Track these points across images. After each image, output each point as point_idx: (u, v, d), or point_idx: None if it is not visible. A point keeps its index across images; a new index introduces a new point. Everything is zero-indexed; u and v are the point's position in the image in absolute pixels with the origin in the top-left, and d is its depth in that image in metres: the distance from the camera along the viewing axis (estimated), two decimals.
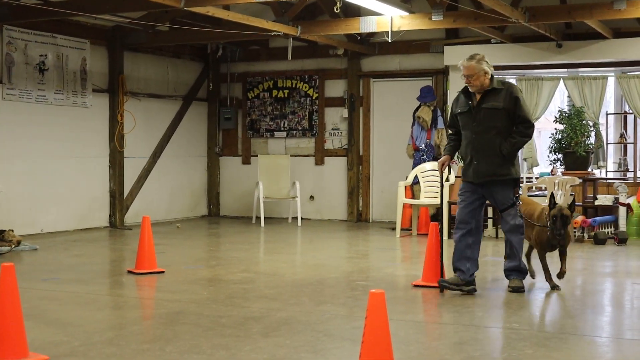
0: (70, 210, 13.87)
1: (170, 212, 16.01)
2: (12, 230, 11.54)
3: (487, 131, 7.88)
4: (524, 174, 13.64)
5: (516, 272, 8.19)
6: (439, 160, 8.28)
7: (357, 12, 13.78)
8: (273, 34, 12.99)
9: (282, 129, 16.49)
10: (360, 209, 15.90)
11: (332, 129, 16.16)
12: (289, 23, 12.91)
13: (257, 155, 16.31)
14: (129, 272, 9.32)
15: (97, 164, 14.38)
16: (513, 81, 14.48)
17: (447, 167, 8.30)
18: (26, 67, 12.93)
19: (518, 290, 8.04)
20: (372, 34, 14.73)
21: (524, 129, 7.84)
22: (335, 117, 16.14)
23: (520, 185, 8.59)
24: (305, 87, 16.31)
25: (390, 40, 12.65)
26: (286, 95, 16.50)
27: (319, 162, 16.19)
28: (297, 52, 14.83)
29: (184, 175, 16.43)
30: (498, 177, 7.92)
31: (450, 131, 8.40)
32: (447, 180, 12.28)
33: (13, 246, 11.17)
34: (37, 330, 6.24)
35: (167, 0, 10.55)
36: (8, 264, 5.40)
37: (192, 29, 13.31)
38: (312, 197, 16.20)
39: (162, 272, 9.26)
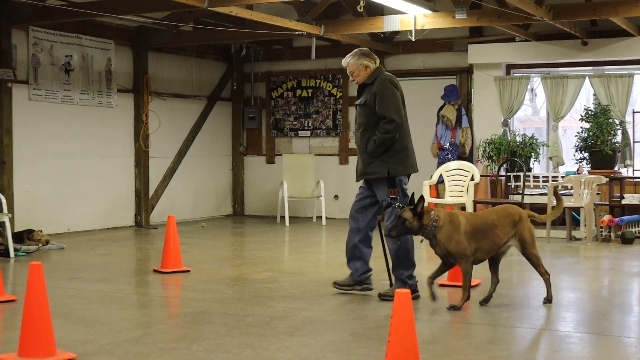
0: (96, 209, 13.94)
1: (195, 211, 16.06)
2: (41, 231, 11.62)
3: (359, 128, 7.81)
4: (549, 173, 13.59)
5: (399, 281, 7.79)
6: None
7: (380, 11, 13.77)
8: (296, 33, 13.00)
9: (306, 128, 16.50)
10: None
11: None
12: (312, 22, 12.91)
13: (281, 155, 16.33)
14: (155, 271, 9.37)
15: (123, 164, 14.45)
16: (537, 80, 14.46)
17: None
18: (52, 67, 13.01)
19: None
20: (396, 33, 14.69)
21: (383, 124, 7.56)
22: None
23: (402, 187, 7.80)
24: (329, 86, 16.31)
25: (413, 39, 12.63)
26: (310, 95, 16.50)
27: (343, 161, 16.18)
28: (320, 51, 14.82)
29: (208, 175, 16.48)
30: (368, 176, 7.75)
31: None
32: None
33: (40, 245, 11.25)
34: (64, 329, 6.28)
35: (191, 1, 10.58)
36: (36, 263, 5.44)
37: (215, 29, 13.34)
38: (336, 196, 16.20)
39: (188, 271, 9.30)
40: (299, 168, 15.79)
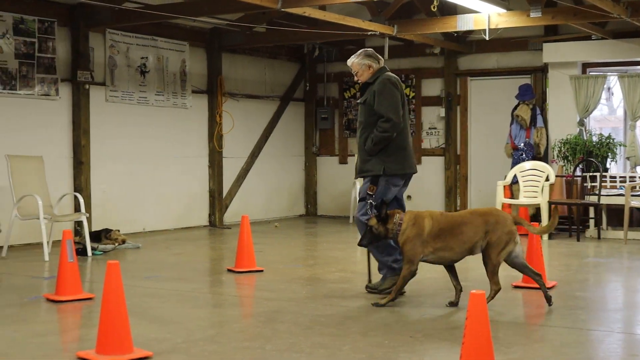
0: (171, 209, 14.11)
1: (268, 211, 16.14)
2: (119, 230, 11.80)
3: (359, 126, 7.92)
4: (626, 173, 13.34)
5: (387, 268, 7.94)
6: None
7: (453, 10, 13.66)
8: (369, 33, 12.98)
9: None
10: (458, 208, 15.76)
11: (429, 128, 16.07)
12: (385, 22, 12.89)
13: (353, 155, 16.31)
14: (229, 270, 9.43)
15: (197, 164, 14.60)
16: (614, 78, 14.20)
17: None
18: (128, 69, 13.20)
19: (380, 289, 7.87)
20: (469, 32, 14.58)
21: (381, 123, 7.63)
22: (432, 116, 16.05)
23: (393, 185, 7.79)
24: (402, 87, 16.20)
25: (487, 38, 12.52)
26: None
27: (416, 161, 16.06)
28: (393, 52, 14.77)
29: (281, 175, 16.55)
30: (365, 173, 7.83)
31: None
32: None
33: (117, 244, 11.43)
34: (140, 327, 6.35)
35: (264, 2, 10.63)
36: (113, 261, 5.52)
37: (288, 30, 13.40)
38: (409, 197, 16.12)
39: (261, 270, 9.35)
40: None
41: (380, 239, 7.43)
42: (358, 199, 8.01)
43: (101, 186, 12.75)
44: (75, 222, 11.85)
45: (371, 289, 7.98)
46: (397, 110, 7.70)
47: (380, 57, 7.99)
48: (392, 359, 5.55)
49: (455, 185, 15.76)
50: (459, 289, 7.43)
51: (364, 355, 5.61)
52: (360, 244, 7.54)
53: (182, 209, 14.34)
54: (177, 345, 5.89)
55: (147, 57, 13.54)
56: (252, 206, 15.63)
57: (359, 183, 15.20)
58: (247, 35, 14.53)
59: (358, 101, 8.03)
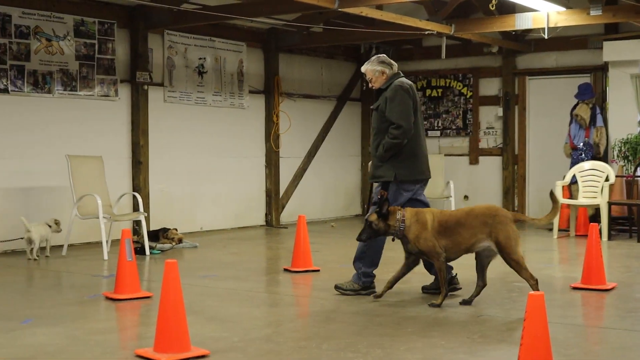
0: (228, 209, 14.20)
1: (324, 211, 16.16)
2: (176, 229, 11.90)
3: (373, 132, 8.00)
4: None
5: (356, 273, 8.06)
6: None
7: (511, 9, 13.52)
8: (426, 32, 12.92)
9: (436, 128, 16.40)
10: (515, 208, 15.63)
11: (487, 128, 15.96)
12: (442, 21, 12.82)
13: None
14: (285, 270, 9.47)
15: (254, 164, 14.66)
16: None
17: None
18: (186, 70, 13.31)
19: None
20: (528, 31, 14.45)
21: (391, 129, 7.69)
22: (489, 115, 15.94)
23: (405, 191, 7.85)
24: (459, 86, 16.17)
25: (546, 37, 12.40)
26: (440, 94, 16.40)
27: (474, 161, 16.01)
28: (450, 51, 14.70)
29: (338, 175, 16.56)
30: (377, 179, 7.93)
31: None
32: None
33: (174, 244, 11.53)
34: (197, 326, 6.40)
35: (321, 2, 10.64)
36: (172, 260, 5.57)
37: (345, 30, 13.39)
38: (466, 197, 16.04)
39: (318, 270, 9.37)
40: None
41: (379, 235, 7.51)
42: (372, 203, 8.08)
43: (159, 186, 12.88)
44: (134, 221, 11.98)
45: (427, 289, 7.94)
46: (407, 117, 7.72)
47: (393, 62, 8.02)
48: None
49: (513, 185, 15.62)
50: (480, 285, 7.45)
51: (420, 356, 5.59)
52: (358, 239, 7.60)
53: (239, 208, 14.42)
54: (234, 344, 5.92)
55: (204, 58, 13.64)
56: (309, 206, 15.66)
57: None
58: (304, 35, 14.56)
59: (372, 107, 8.11)
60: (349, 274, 9.19)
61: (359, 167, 17.04)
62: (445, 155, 16.01)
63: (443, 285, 7.32)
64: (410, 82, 8.00)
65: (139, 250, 10.79)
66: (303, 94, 15.62)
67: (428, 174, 8.07)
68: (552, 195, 7.51)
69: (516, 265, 7.15)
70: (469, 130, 16.05)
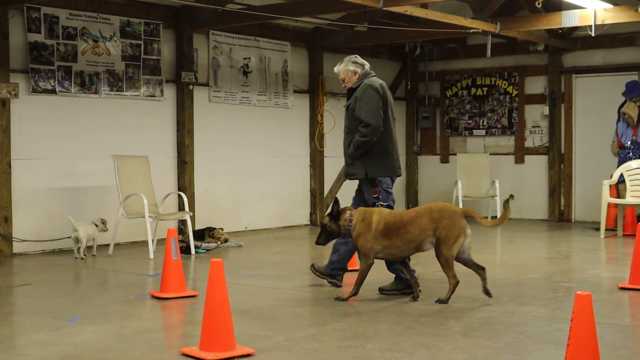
0: (273, 208, 14.24)
1: None
2: (222, 229, 11.97)
3: (344, 130, 8.19)
4: None
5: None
6: None
7: (558, 6, 13.42)
8: (471, 31, 12.86)
9: (481, 127, 16.31)
10: (562, 208, 15.50)
11: (532, 127, 15.84)
12: (487, 20, 12.75)
13: (455, 154, 16.21)
14: None
15: (298, 163, 14.69)
16: None
17: None
18: (231, 70, 13.38)
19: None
20: (574, 29, 14.32)
21: (360, 128, 7.91)
22: (535, 114, 15.82)
23: (386, 187, 8.05)
24: (505, 85, 16.06)
25: (593, 34, 12.28)
26: (485, 93, 16.31)
27: (519, 160, 15.90)
28: (495, 49, 14.63)
29: None
30: (349, 177, 8.18)
31: None
32: None
33: (220, 243, 11.59)
34: (243, 324, 6.42)
35: (366, 1, 10.64)
36: (217, 260, 5.59)
37: (390, 29, 13.37)
38: (512, 196, 15.86)
39: None
40: (473, 167, 15.63)
41: (335, 236, 7.75)
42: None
43: (204, 185, 12.96)
44: (179, 220, 12.07)
45: (385, 290, 8.06)
46: (376, 115, 7.91)
47: (365, 63, 8.25)
48: None
49: (560, 184, 15.48)
50: (414, 282, 7.67)
51: (466, 356, 5.56)
52: (317, 243, 7.81)
53: (284, 207, 14.45)
54: (279, 343, 5.93)
55: (249, 58, 13.69)
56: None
57: (461, 182, 15.10)
58: (349, 34, 14.56)
59: (343, 106, 8.27)
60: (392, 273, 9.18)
61: (403, 166, 16.99)
62: (491, 154, 15.92)
63: (357, 285, 7.58)
64: (381, 81, 8.21)
65: (185, 250, 10.87)
66: None
67: (399, 171, 8.25)
68: (506, 203, 7.70)
69: (444, 262, 7.35)
70: (514, 129, 15.94)
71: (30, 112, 10.88)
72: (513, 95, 15.97)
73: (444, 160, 16.77)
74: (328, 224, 7.60)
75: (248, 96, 13.68)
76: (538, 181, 15.73)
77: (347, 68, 8.15)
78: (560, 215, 15.50)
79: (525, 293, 8.00)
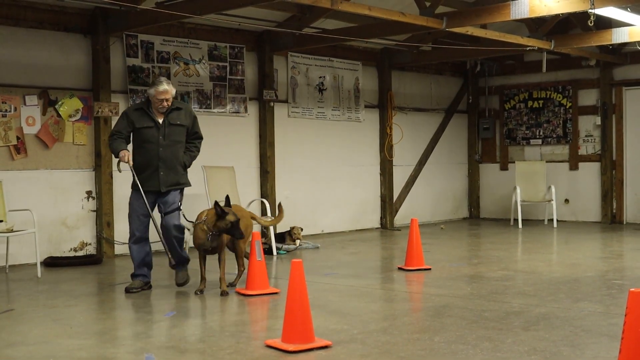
0: (346, 213, 14.24)
1: (434, 214, 16.04)
2: (301, 229, 12.01)
3: (173, 145, 8.14)
4: None
5: (183, 264, 8.41)
6: (122, 155, 7.98)
7: (608, 24, 13.18)
8: (528, 48, 12.70)
9: (538, 136, 16.09)
10: (614, 211, 15.20)
11: (586, 136, 15.56)
12: (542, 38, 12.58)
13: (514, 162, 16.02)
14: (399, 268, 9.43)
15: (369, 172, 14.67)
16: None
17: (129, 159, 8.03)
18: (307, 87, 13.43)
19: (186, 282, 8.34)
20: (624, 44, 14.04)
21: (199, 143, 8.43)
22: (588, 124, 15.54)
23: None
24: (559, 97, 15.82)
25: None
26: (541, 105, 16.08)
27: (573, 167, 15.64)
28: (550, 65, 14.42)
29: (446, 181, 16.42)
30: (180, 186, 8.23)
31: (116, 134, 8.14)
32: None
33: (299, 241, 11.64)
34: (320, 319, 6.43)
35: (430, 23, 10.59)
36: (297, 260, 5.61)
37: (452, 48, 13.31)
38: (567, 200, 15.69)
39: (429, 269, 9.30)
40: (530, 174, 15.44)
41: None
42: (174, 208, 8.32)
43: (284, 192, 13.02)
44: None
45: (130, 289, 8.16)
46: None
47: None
48: (553, 352, 5.39)
49: (612, 188, 15.18)
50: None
51: (526, 348, 5.48)
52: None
53: (357, 212, 14.44)
54: (354, 336, 5.92)
55: (324, 76, 13.73)
56: (420, 210, 15.57)
57: (519, 188, 14.92)
58: (414, 54, 14.51)
59: (171, 122, 8.13)
60: (458, 272, 9.13)
61: (465, 173, 16.86)
62: (547, 161, 15.70)
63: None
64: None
65: (267, 251, 10.92)
66: (414, 107, 15.55)
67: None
68: (279, 206, 8.71)
69: (242, 254, 8.14)
70: (568, 138, 15.68)
71: None
72: (567, 107, 15.72)
73: (504, 167, 16.58)
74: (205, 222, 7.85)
75: (323, 111, 13.72)
76: (591, 186, 15.45)
77: (173, 89, 8.13)
78: (612, 218, 15.20)
79: (580, 290, 7.86)
